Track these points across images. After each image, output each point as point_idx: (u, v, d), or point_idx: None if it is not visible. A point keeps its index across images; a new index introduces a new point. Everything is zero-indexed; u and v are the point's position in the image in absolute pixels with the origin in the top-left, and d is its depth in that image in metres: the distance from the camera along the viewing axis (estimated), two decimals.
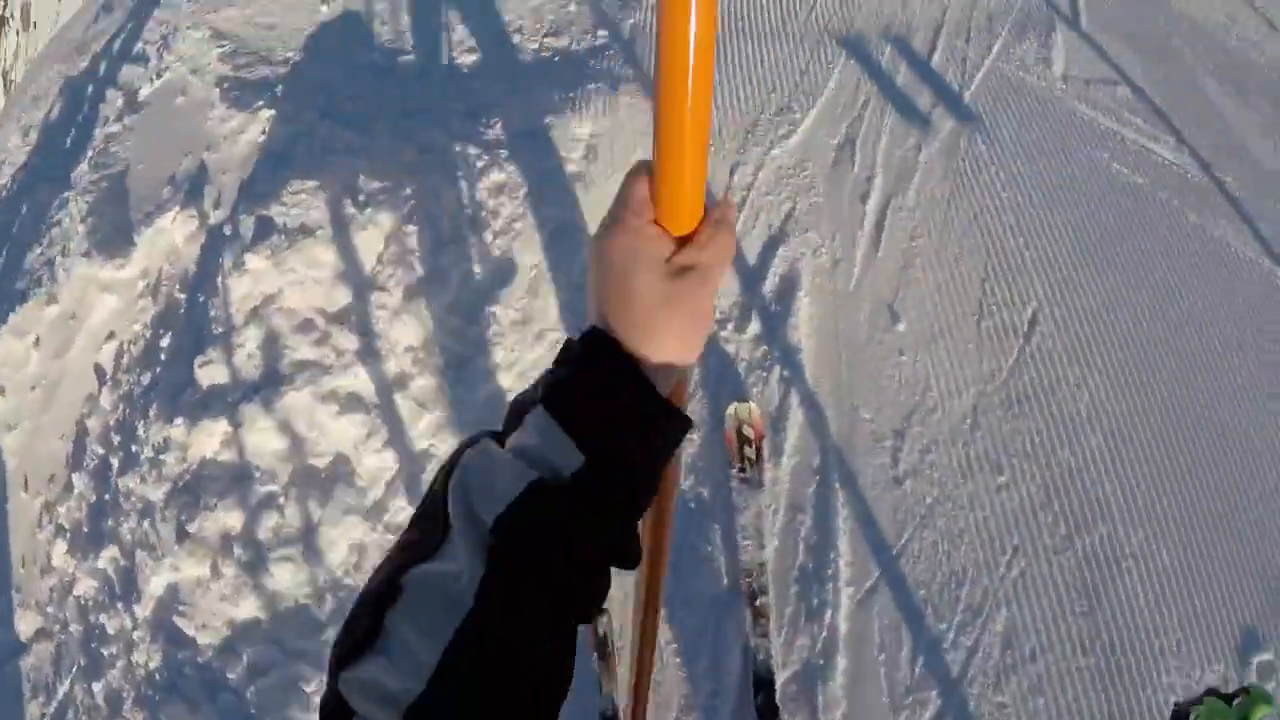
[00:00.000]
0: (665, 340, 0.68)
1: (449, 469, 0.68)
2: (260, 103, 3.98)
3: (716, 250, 0.70)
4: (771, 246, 3.56)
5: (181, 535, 2.81)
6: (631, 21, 4.37)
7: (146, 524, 2.89)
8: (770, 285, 3.46)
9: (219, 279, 3.28)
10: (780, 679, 2.67)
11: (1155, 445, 3.17)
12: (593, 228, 3.40)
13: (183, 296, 3.39)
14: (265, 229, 3.33)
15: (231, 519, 2.84)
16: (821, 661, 2.71)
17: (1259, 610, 2.91)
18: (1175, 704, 1.50)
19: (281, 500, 2.87)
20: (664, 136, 0.66)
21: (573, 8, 4.49)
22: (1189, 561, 2.96)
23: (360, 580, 2.78)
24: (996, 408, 3.21)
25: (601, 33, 4.32)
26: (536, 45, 4.27)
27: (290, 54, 4.33)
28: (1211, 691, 1.55)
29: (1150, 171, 4.03)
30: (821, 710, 2.64)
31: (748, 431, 2.96)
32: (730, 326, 3.34)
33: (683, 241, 0.70)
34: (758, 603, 2.74)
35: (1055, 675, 2.74)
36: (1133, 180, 3.97)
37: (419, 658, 0.61)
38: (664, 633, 2.72)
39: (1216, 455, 3.18)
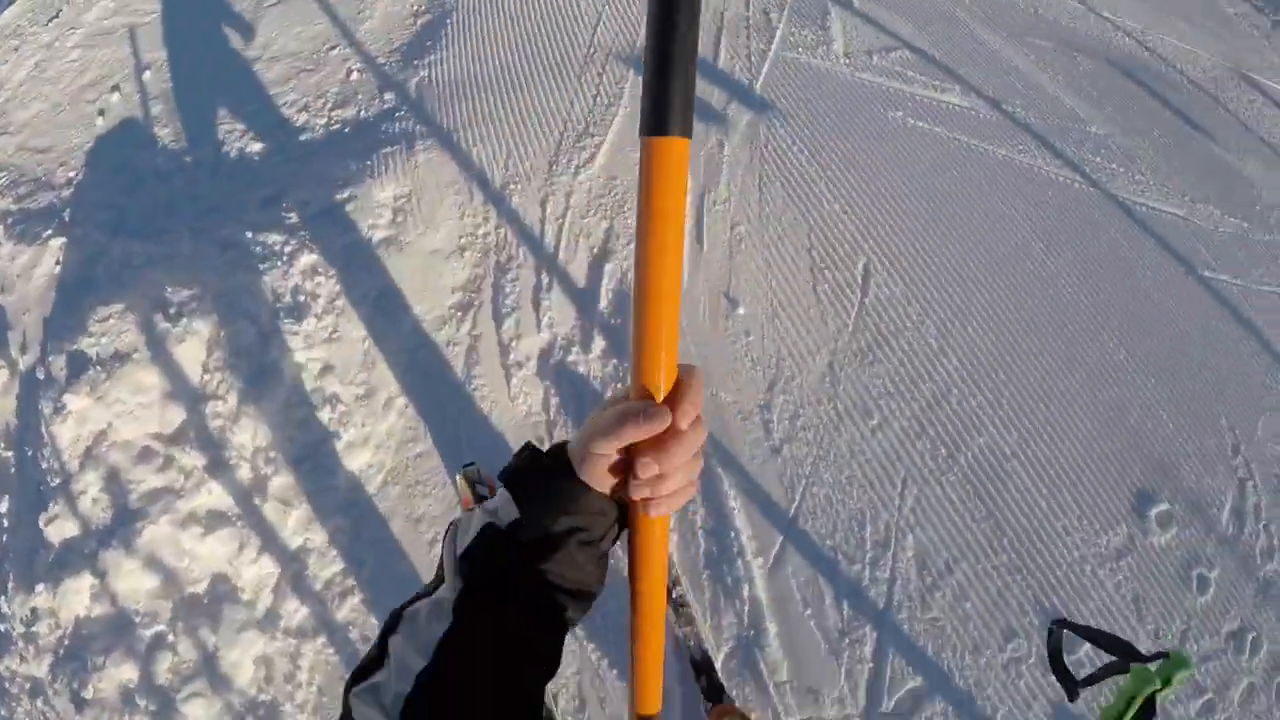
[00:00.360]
0: (582, 450, 0.82)
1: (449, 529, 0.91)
2: (49, 231, 3.83)
3: (659, 408, 0.79)
4: (597, 265, 3.64)
5: (80, 704, 2.65)
6: (416, 80, 4.37)
7: (40, 703, 2.71)
8: (605, 302, 3.53)
9: (42, 428, 3.13)
10: (719, 659, 2.77)
11: (1008, 354, 3.43)
12: (413, 288, 3.40)
13: (10, 454, 3.22)
14: (79, 364, 3.19)
15: (125, 672, 2.69)
16: (752, 632, 2.82)
17: (1142, 471, 3.21)
18: (1054, 622, 1.53)
19: (171, 638, 2.74)
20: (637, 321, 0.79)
21: (355, 77, 4.46)
22: (1067, 446, 3.23)
23: (274, 692, 2.73)
24: (851, 360, 3.38)
25: (388, 96, 4.31)
26: (325, 120, 4.23)
27: (71, 174, 4.17)
28: (1115, 640, 1.51)
29: (945, 119, 4.31)
30: (767, 675, 2.75)
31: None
32: (575, 350, 3.39)
33: None
34: (675, 595, 2.82)
35: (974, 579, 2.93)
36: (931, 130, 4.23)
37: (411, 667, 0.80)
38: (591, 651, 2.79)
39: (1067, 349, 3.48)
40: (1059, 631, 1.51)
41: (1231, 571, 3.05)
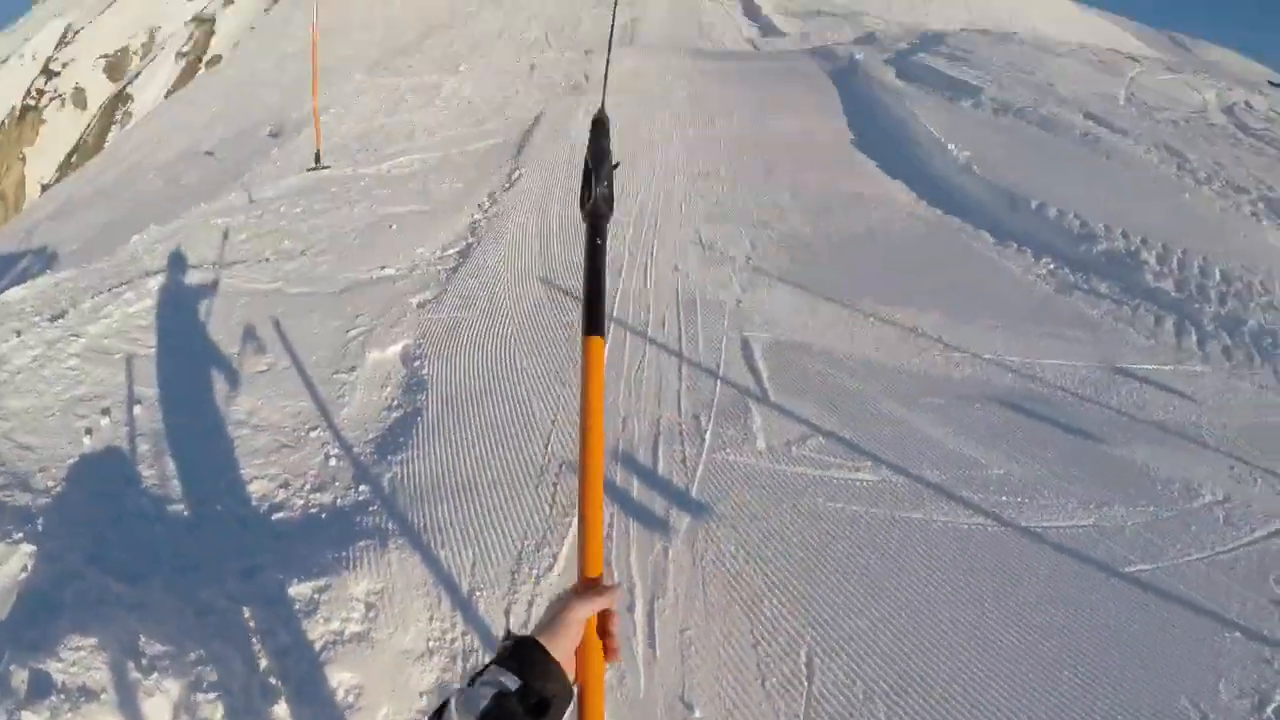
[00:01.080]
0: (559, 625, 1.29)
1: (439, 712, 1.19)
2: (20, 534, 3.99)
3: (587, 598, 1.32)
4: None
5: None
6: (389, 476, 4.91)
7: None
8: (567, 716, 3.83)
9: None
10: None
11: None
12: (382, 689, 3.72)
13: None
14: (43, 685, 3.24)
15: None
16: None
17: None
18: None
19: None
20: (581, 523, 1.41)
21: (333, 463, 4.98)
22: None
23: None
24: None
25: (363, 488, 4.82)
26: (303, 501, 4.67)
27: (51, 484, 4.40)
28: None
29: (862, 497, 4.87)
30: None
31: None
32: None
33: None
34: None
35: None
36: (850, 509, 4.78)
37: None
38: None
39: (1009, 704, 3.67)
40: None
41: None
